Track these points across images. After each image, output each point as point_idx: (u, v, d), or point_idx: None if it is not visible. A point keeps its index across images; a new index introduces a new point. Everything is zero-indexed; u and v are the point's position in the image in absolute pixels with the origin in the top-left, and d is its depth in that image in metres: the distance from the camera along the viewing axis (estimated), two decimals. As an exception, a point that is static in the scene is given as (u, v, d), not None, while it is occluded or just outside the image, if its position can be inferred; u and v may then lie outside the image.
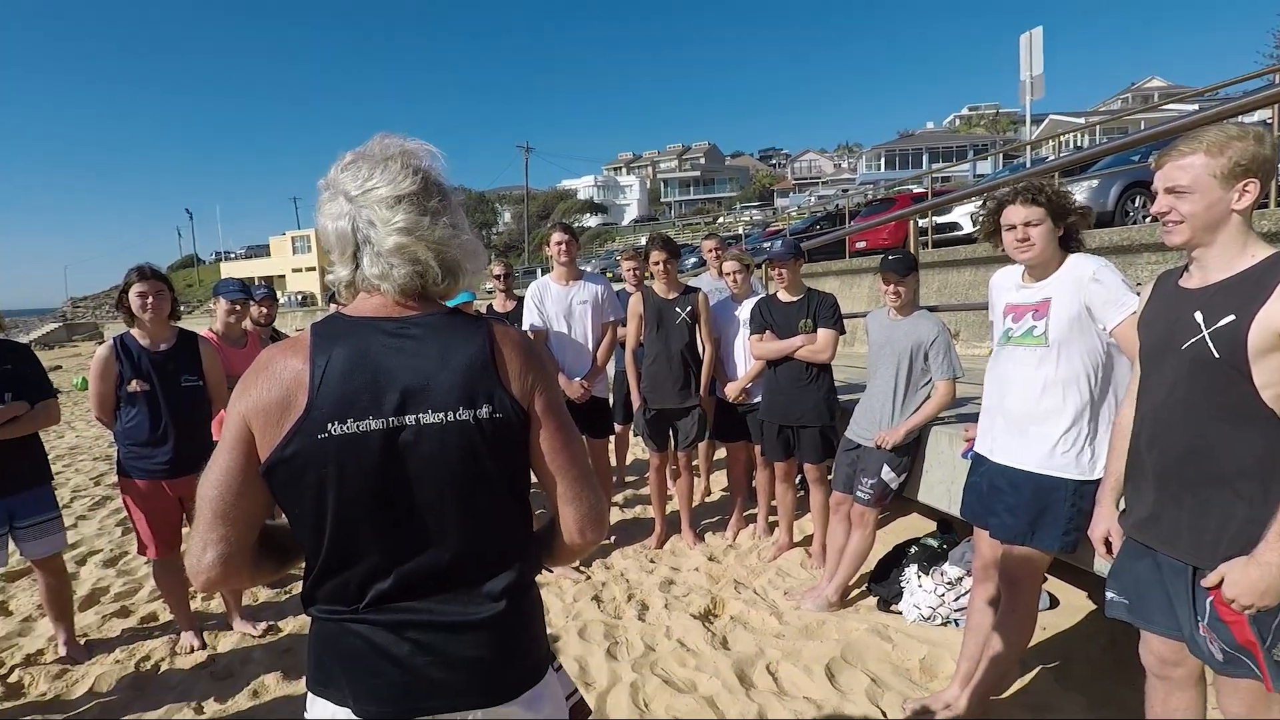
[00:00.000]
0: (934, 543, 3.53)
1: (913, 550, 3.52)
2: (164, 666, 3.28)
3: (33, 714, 2.92)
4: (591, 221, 60.28)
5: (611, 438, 4.85)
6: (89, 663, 3.31)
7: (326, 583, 1.11)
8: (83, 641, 3.48)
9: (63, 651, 3.37)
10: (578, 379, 4.19)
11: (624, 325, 4.41)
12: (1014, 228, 2.23)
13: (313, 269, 55.78)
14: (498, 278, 5.43)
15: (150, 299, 3.19)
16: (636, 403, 4.34)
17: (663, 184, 71.00)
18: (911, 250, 4.99)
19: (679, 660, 3.06)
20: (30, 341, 42.61)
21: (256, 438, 1.08)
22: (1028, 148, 16.71)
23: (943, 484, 3.18)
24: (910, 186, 21.90)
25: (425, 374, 1.09)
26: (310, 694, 1.17)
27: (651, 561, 4.22)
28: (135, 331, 3.27)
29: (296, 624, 3.58)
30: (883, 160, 52.07)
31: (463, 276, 1.18)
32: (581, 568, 4.11)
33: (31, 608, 3.94)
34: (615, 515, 5.03)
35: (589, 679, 2.96)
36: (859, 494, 3.27)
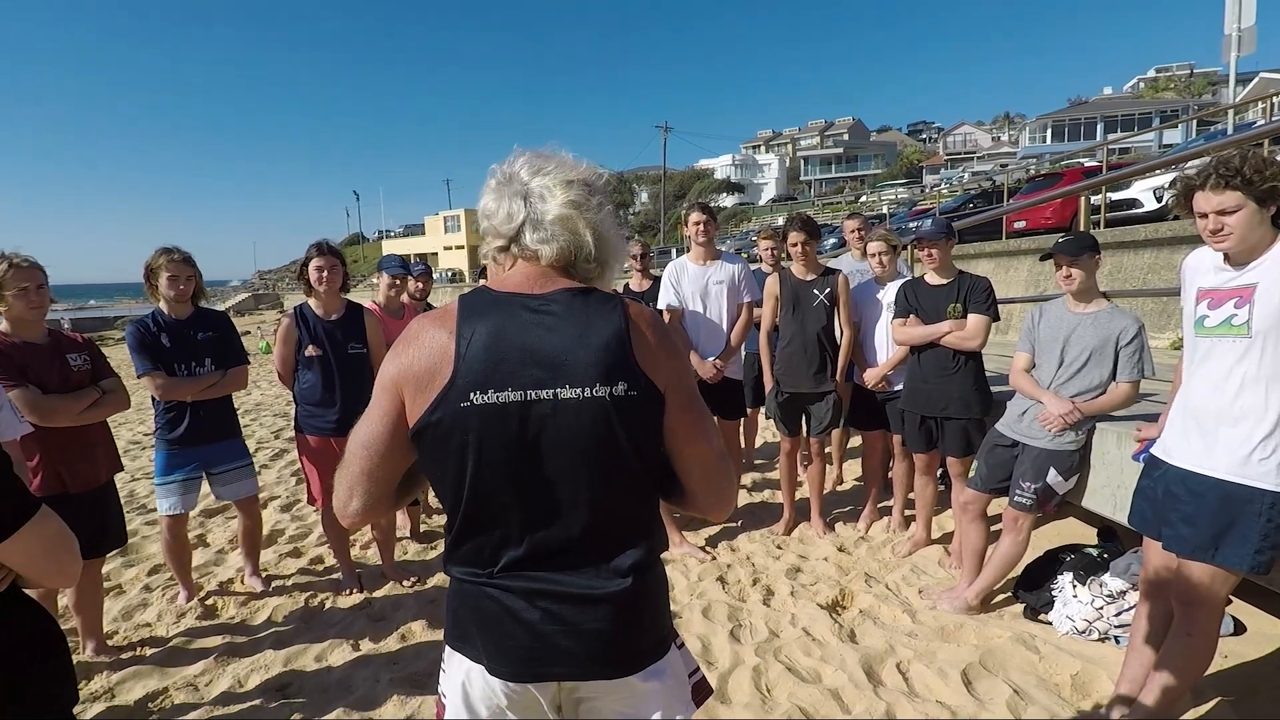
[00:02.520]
0: (1094, 551, 3.23)
1: (1069, 558, 3.24)
2: (328, 605, 3.63)
3: (223, 634, 3.34)
4: (728, 201, 59.57)
5: (742, 420, 4.81)
6: (269, 595, 3.73)
7: (464, 545, 1.18)
8: (264, 575, 3.92)
9: (249, 583, 3.82)
10: (711, 359, 4.17)
11: (759, 306, 4.33)
12: (1205, 216, 1.96)
13: (461, 247, 59.12)
14: (634, 257, 5.47)
15: (325, 272, 3.51)
16: (769, 385, 4.27)
17: (802, 162, 68.80)
18: (1082, 229, 4.53)
19: (804, 649, 3.00)
20: (226, 309, 48.27)
21: (406, 403, 1.15)
22: (1230, 112, 14.57)
23: (1107, 488, 2.90)
24: (1080, 160, 19.89)
25: (563, 350, 1.12)
26: (448, 647, 1.25)
27: (779, 547, 4.16)
28: (312, 301, 3.61)
29: (440, 579, 3.85)
30: (1049, 131, 47.51)
31: (609, 265, 1.24)
32: (707, 548, 4.13)
33: (224, 542, 4.50)
34: (743, 498, 5.00)
35: (711, 658, 2.98)
36: (1017, 498, 3.02)
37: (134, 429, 8.30)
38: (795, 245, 4.05)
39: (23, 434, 2.57)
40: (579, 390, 1.11)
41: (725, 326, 4.24)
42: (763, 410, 4.87)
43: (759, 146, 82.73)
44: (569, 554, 1.16)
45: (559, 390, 1.11)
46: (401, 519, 4.54)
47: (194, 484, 3.53)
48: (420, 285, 4.66)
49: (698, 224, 4.19)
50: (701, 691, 1.35)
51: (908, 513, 4.24)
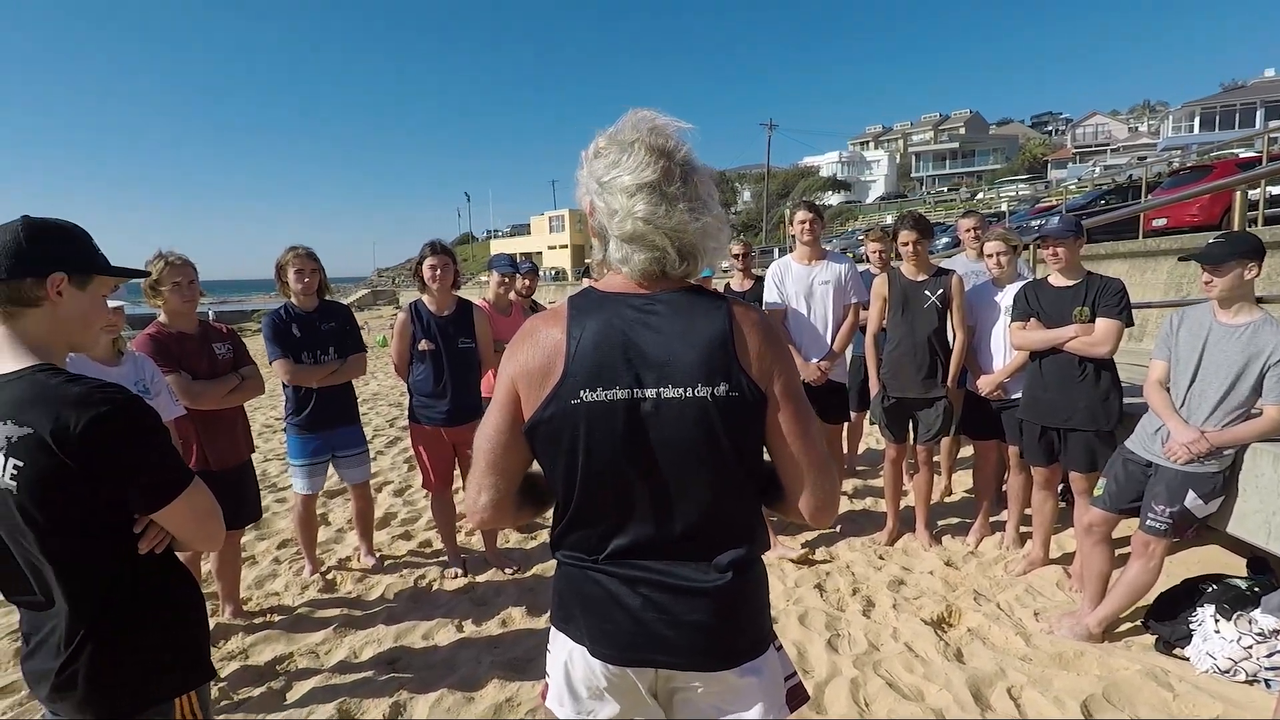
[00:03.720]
0: (1242, 584, 2.93)
1: (1211, 589, 2.95)
2: (435, 586, 3.81)
3: (342, 607, 3.57)
4: (833, 199, 57.94)
5: (845, 425, 4.67)
6: (381, 574, 3.96)
7: (573, 533, 1.22)
8: (378, 555, 4.16)
9: (364, 561, 4.07)
10: (814, 361, 4.08)
11: (866, 307, 4.20)
12: None
13: (565, 246, 60.56)
14: (736, 256, 5.43)
15: (438, 270, 3.69)
16: (874, 389, 4.13)
17: (914, 158, 65.96)
18: (1236, 228, 4.12)
19: (905, 665, 2.89)
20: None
21: (522, 399, 1.20)
22: None
23: (1260, 514, 2.62)
24: (1235, 150, 18.03)
25: (667, 350, 1.13)
26: (553, 628, 1.31)
27: (881, 558, 4.02)
28: (426, 298, 3.80)
29: (539, 568, 3.96)
30: (1196, 120, 43.35)
31: (702, 258, 1.20)
32: (806, 553, 4.04)
33: (342, 521, 4.81)
34: (844, 505, 4.86)
35: (806, 666, 2.91)
36: (1150, 522, 2.78)
37: (266, 414, 9.01)
38: (906, 244, 3.89)
39: (177, 416, 2.86)
40: (681, 390, 1.12)
41: (830, 328, 4.14)
42: (868, 415, 4.72)
43: (867, 143, 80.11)
44: (672, 547, 1.18)
45: (662, 390, 1.13)
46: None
47: (322, 466, 3.80)
48: (527, 283, 4.81)
49: (803, 222, 4.10)
50: (797, 696, 1.34)
51: (1023, 529, 3.99)
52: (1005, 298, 3.82)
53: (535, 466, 1.28)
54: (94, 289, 1.39)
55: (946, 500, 4.94)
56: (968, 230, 4.73)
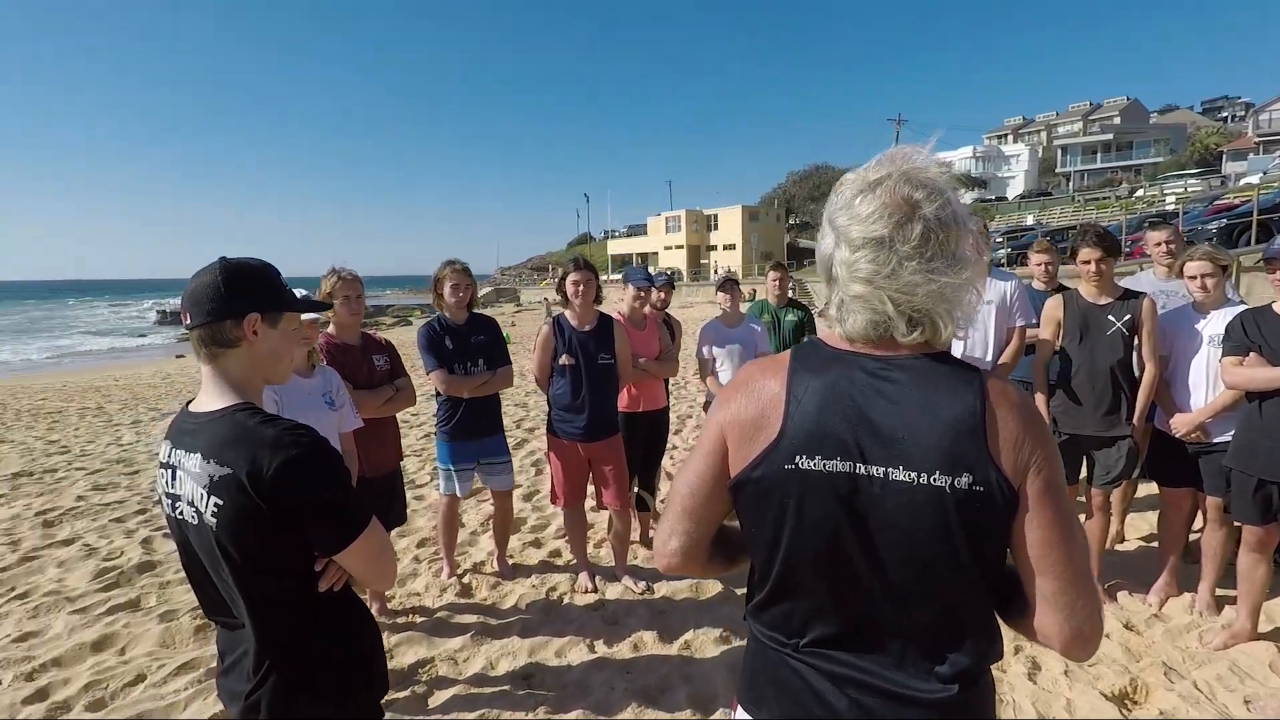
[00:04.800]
0: None
1: None
2: (565, 600, 3.82)
3: (477, 614, 3.64)
4: (967, 198, 54.70)
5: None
6: (513, 581, 4.02)
7: (772, 608, 1.13)
8: (510, 562, 4.24)
9: (498, 567, 4.15)
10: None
11: (1033, 329, 3.83)
12: None
13: (680, 246, 60.63)
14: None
15: (582, 286, 3.69)
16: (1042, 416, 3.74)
17: (1059, 151, 60.92)
18: None
19: (1085, 745, 2.57)
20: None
21: (730, 451, 1.11)
22: None
23: None
24: None
25: (902, 426, 1.00)
26: (740, 705, 1.21)
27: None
28: (568, 313, 3.81)
29: (669, 588, 3.88)
30: None
31: (943, 326, 1.03)
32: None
33: (475, 524, 4.94)
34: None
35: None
36: None
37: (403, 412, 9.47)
38: (1088, 263, 3.50)
39: (356, 427, 3.00)
40: (914, 474, 0.98)
41: (991, 352, 3.80)
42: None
43: (1005, 136, 75.09)
44: (887, 645, 1.05)
45: (891, 470, 0.99)
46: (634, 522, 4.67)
47: (468, 473, 3.92)
48: (662, 296, 4.75)
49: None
50: None
51: (1220, 592, 3.50)
52: (1210, 326, 3.35)
53: (732, 518, 1.20)
54: (284, 325, 1.44)
55: (1118, 548, 4.43)
56: (1158, 245, 4.21)
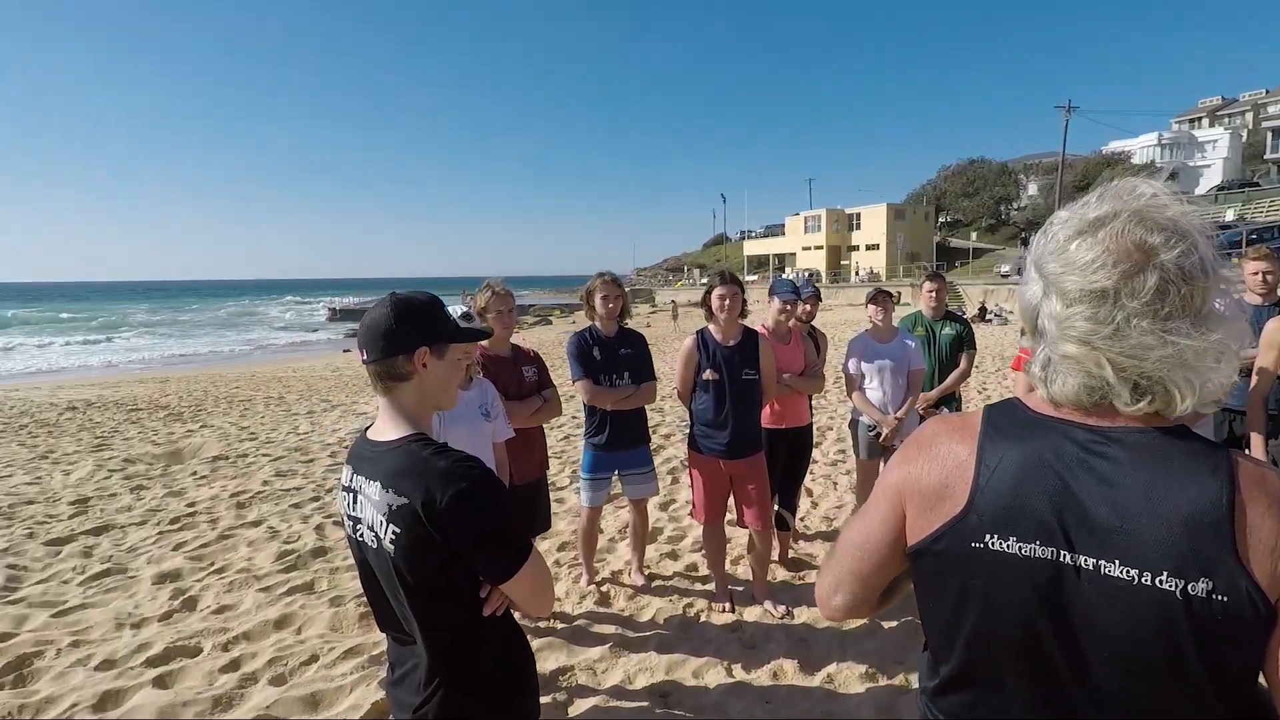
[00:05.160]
0: None
1: None
2: (703, 618, 3.78)
3: (615, 624, 3.68)
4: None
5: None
6: (650, 593, 4.03)
7: (951, 694, 1.02)
8: (647, 573, 4.25)
9: (635, 578, 4.18)
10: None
11: (1251, 353, 3.35)
12: None
13: (820, 247, 58.91)
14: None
15: (727, 300, 3.64)
16: (1258, 456, 3.27)
17: (1269, 135, 53.18)
18: None
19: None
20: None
21: (908, 515, 1.02)
22: None
23: None
24: None
25: (1121, 512, 0.85)
26: None
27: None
28: (712, 326, 3.77)
29: (810, 614, 3.74)
30: None
31: (1179, 396, 0.86)
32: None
33: (614, 531, 5.00)
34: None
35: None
36: None
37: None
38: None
39: (509, 438, 3.13)
40: (1134, 572, 0.83)
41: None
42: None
43: (1199, 119, 66.74)
44: None
45: (1104, 563, 0.85)
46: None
47: (608, 481, 4.00)
48: (808, 308, 4.60)
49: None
50: None
51: None
52: None
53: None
54: (450, 355, 1.50)
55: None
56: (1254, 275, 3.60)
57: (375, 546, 1.41)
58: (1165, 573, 0.81)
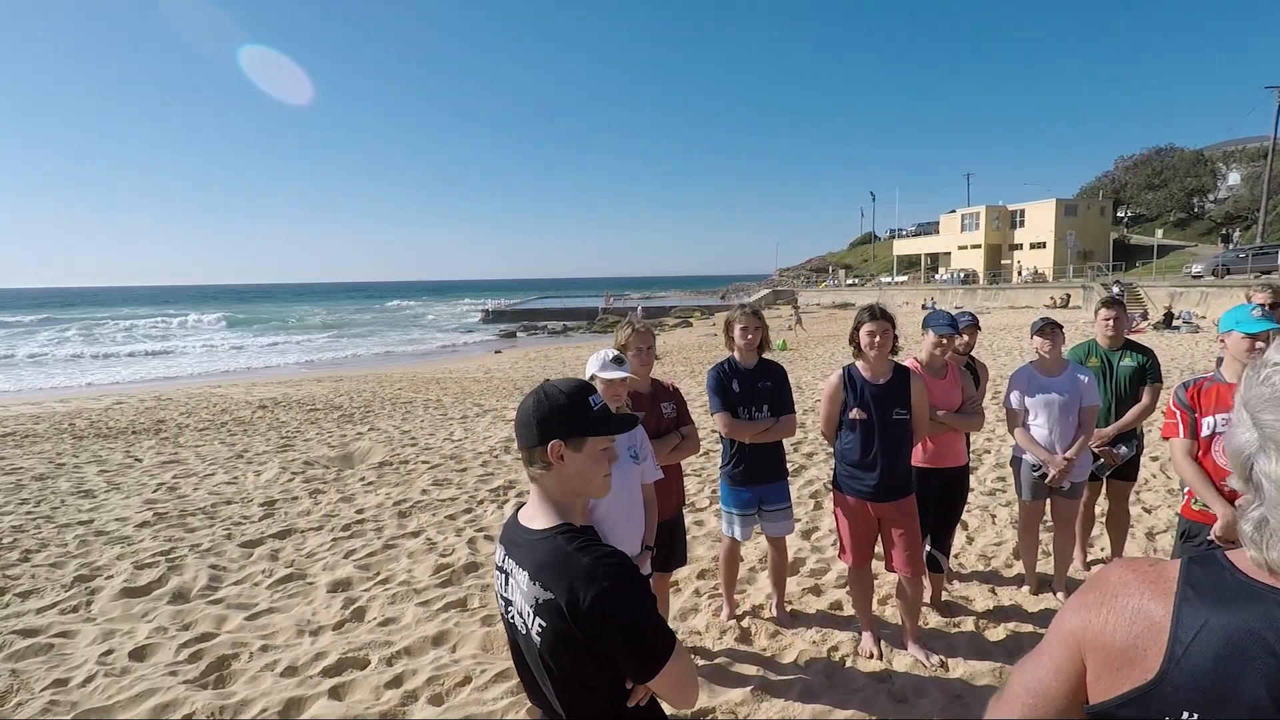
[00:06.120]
0: None
1: None
2: (848, 663, 3.62)
3: (756, 664, 3.61)
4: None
5: None
6: (792, 632, 3.91)
7: None
8: (789, 609, 4.14)
9: (776, 614, 4.09)
10: None
11: None
12: None
13: (977, 246, 55.03)
14: (1260, 307, 4.09)
15: (878, 338, 3.47)
16: None
17: None
18: None
19: None
20: (748, 304, 54.60)
21: (1089, 670, 0.92)
22: None
23: None
24: None
25: None
26: None
27: None
28: (860, 363, 3.61)
29: (966, 669, 3.49)
30: None
31: None
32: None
33: (755, 560, 4.90)
34: None
35: None
36: None
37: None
38: None
39: (657, 479, 3.17)
40: None
41: None
42: None
43: None
44: None
45: None
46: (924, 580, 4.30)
47: (750, 519, 3.93)
48: (966, 339, 4.30)
49: None
50: None
51: None
52: None
53: None
54: (589, 448, 1.49)
55: None
56: None
57: (525, 633, 1.45)
58: None
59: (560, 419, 1.48)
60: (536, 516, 1.50)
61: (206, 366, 27.36)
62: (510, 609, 1.51)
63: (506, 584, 1.52)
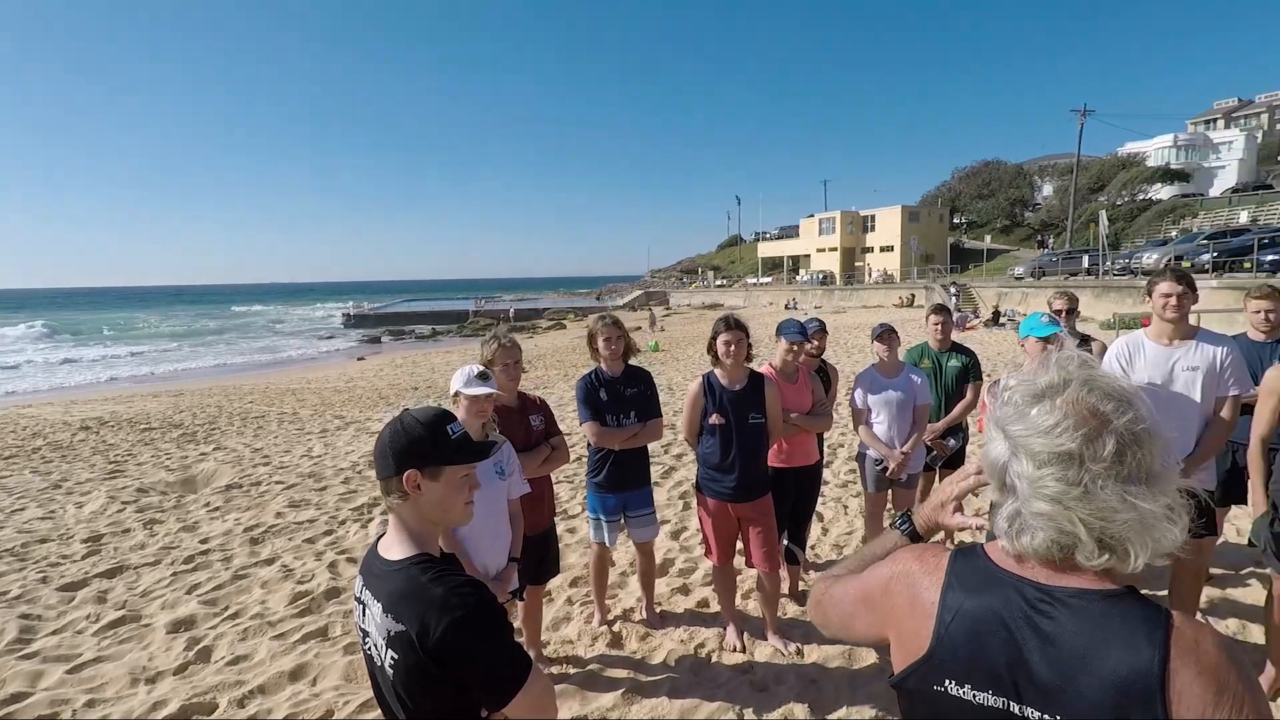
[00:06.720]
0: None
1: None
2: (714, 658, 3.78)
3: (628, 668, 3.70)
4: (1164, 193, 48.64)
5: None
6: (662, 633, 4.03)
7: None
8: (658, 609, 4.26)
9: (645, 616, 4.20)
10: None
11: (1249, 400, 3.34)
12: None
13: (834, 249, 58.67)
14: (1059, 313, 4.69)
15: (733, 346, 3.66)
16: (1256, 507, 3.26)
17: (1285, 135, 52.72)
18: None
19: None
20: (622, 305, 55.50)
21: (891, 637, 1.12)
22: None
23: None
24: None
25: (1061, 671, 0.92)
26: None
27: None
28: (718, 371, 3.79)
29: (820, 654, 3.74)
30: None
31: (1135, 554, 0.93)
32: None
33: (625, 564, 4.99)
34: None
35: None
36: None
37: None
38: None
39: (525, 493, 3.16)
40: None
41: (1196, 425, 3.33)
42: (1249, 537, 3.75)
43: (1214, 121, 66.16)
44: None
45: (1047, 717, 0.93)
46: (782, 572, 4.55)
47: (616, 525, 4.02)
48: (815, 343, 4.61)
49: (1169, 296, 3.34)
50: None
51: None
52: None
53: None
54: (448, 476, 1.48)
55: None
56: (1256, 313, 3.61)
57: (379, 665, 1.43)
58: None
59: (417, 449, 1.46)
60: (394, 547, 1.47)
61: (15, 384, 24.15)
62: (368, 640, 1.48)
63: (364, 615, 1.49)
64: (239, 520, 6.31)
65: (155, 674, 3.73)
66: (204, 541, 5.77)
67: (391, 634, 1.37)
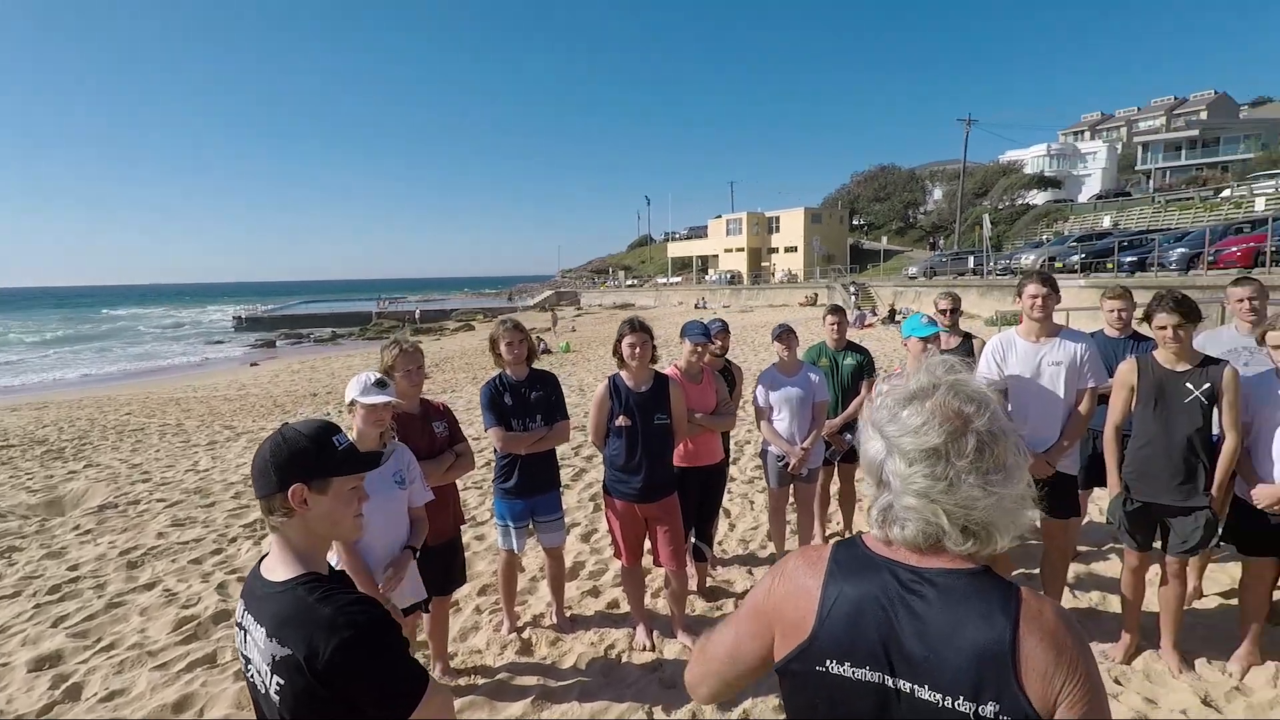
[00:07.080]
0: None
1: None
2: (625, 658, 3.82)
3: (538, 674, 3.68)
4: (1039, 199, 52.61)
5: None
6: (572, 636, 4.04)
7: None
8: (568, 613, 4.26)
9: (555, 621, 4.19)
10: (1040, 453, 3.63)
11: (1104, 391, 3.68)
12: None
13: (741, 249, 60.11)
14: (943, 312, 5.01)
15: (637, 349, 3.71)
16: (1112, 488, 3.60)
17: (1139, 148, 57.64)
18: None
19: None
20: (533, 305, 54.97)
21: (776, 636, 1.16)
22: None
23: None
24: None
25: (929, 644, 1.02)
26: None
27: (1117, 681, 3.47)
28: (624, 373, 3.83)
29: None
30: None
31: (999, 537, 1.05)
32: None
33: (535, 569, 4.96)
34: (1066, 600, 4.27)
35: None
36: None
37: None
38: (1164, 329, 3.33)
39: (429, 500, 3.09)
40: (940, 696, 1.01)
41: (1060, 415, 3.65)
42: (1106, 515, 4.12)
43: (1082, 133, 72.03)
44: None
45: (918, 688, 1.02)
46: (690, 570, 4.64)
47: (524, 530, 3.99)
48: (719, 344, 4.73)
49: (1035, 298, 3.64)
50: None
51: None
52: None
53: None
54: (336, 488, 1.44)
55: (1196, 605, 4.19)
56: (1240, 301, 4.00)
57: (264, 692, 1.37)
58: (962, 697, 0.98)
59: (301, 462, 1.40)
60: (278, 567, 1.41)
61: None
62: (250, 667, 1.42)
63: (245, 641, 1.42)
64: (114, 543, 5.84)
65: (16, 718, 3.41)
66: (73, 569, 5.30)
67: (277, 659, 1.31)
